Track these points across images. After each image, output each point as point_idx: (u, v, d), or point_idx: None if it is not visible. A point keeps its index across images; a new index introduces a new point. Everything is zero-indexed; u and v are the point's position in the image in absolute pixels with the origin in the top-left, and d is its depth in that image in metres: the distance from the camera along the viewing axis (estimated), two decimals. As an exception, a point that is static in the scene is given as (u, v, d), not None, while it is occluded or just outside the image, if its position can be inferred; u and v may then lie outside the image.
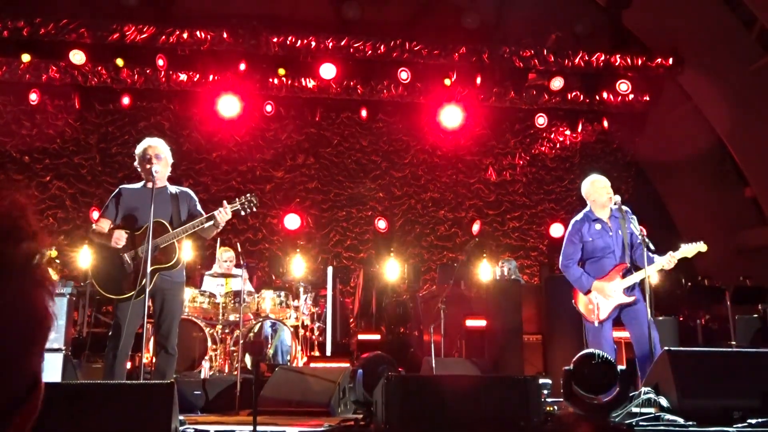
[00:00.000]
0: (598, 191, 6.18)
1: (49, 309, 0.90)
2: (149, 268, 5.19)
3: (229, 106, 11.47)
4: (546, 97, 11.92)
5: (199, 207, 5.69)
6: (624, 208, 6.19)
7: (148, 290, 5.23)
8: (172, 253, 5.43)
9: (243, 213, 5.64)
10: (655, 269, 5.96)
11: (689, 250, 6.01)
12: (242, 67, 11.12)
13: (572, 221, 6.32)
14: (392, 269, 11.03)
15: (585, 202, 6.39)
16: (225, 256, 8.81)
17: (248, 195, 5.66)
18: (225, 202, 5.50)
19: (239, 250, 7.65)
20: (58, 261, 9.67)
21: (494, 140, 12.88)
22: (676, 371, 4.91)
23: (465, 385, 4.65)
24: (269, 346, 8.01)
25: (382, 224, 12.26)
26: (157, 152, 5.57)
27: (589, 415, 4.87)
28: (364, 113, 12.24)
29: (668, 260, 5.92)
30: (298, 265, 9.94)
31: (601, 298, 5.98)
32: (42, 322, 0.88)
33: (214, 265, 8.84)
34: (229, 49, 10.98)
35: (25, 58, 10.70)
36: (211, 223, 5.42)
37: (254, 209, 5.65)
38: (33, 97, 11.20)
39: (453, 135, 12.68)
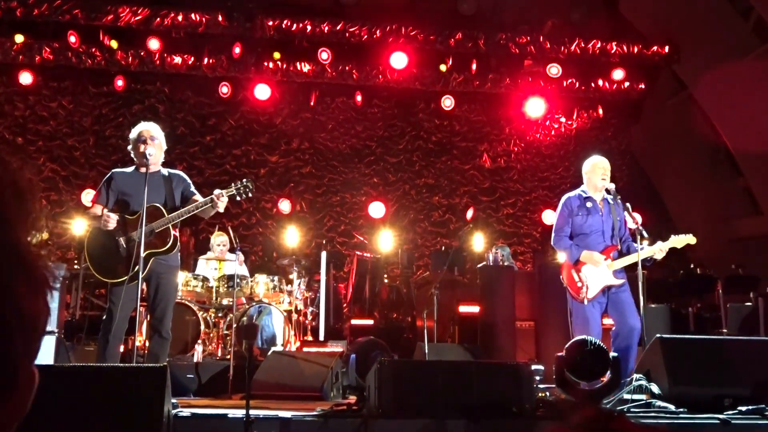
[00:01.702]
0: (594, 172, 6.26)
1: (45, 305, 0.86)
2: (144, 253, 5.19)
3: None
4: (541, 84, 11.91)
5: (192, 189, 5.68)
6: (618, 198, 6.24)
7: (142, 274, 5.23)
8: (167, 237, 5.42)
9: (239, 198, 5.64)
10: (643, 257, 5.98)
11: (678, 240, 6.08)
12: (237, 50, 11.05)
13: (565, 196, 6.39)
14: (386, 254, 11.03)
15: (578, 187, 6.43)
16: (218, 240, 8.82)
17: (244, 180, 5.65)
18: (221, 191, 5.46)
19: (232, 234, 7.66)
20: (50, 243, 9.63)
21: (489, 126, 12.86)
22: (668, 358, 4.95)
23: (457, 370, 4.67)
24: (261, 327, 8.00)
25: (376, 209, 12.26)
26: (152, 134, 5.55)
27: (580, 401, 4.90)
28: (359, 98, 12.20)
29: (657, 250, 5.97)
30: (291, 249, 9.95)
31: (590, 276, 6.00)
32: (37, 320, 0.85)
33: (209, 252, 8.84)
34: (224, 32, 10.92)
35: (19, 38, 10.63)
36: (209, 206, 5.42)
37: (250, 195, 5.65)
38: (26, 78, 11.12)
39: (448, 121, 12.68)
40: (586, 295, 5.98)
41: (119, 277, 5.29)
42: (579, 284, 6.04)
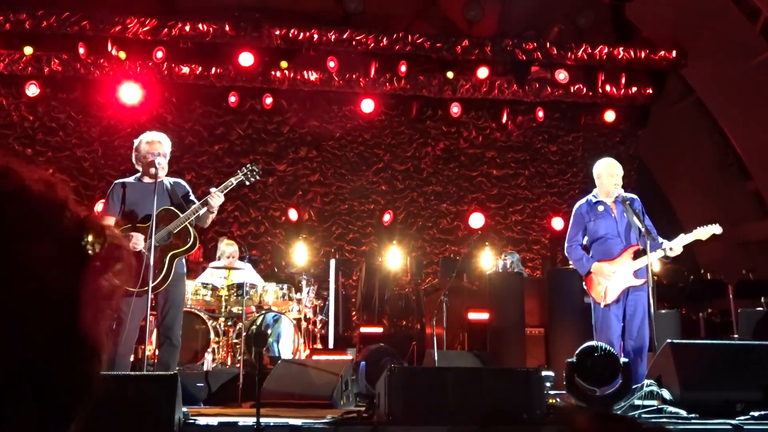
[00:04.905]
0: (606, 176, 6.14)
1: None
2: (167, 255, 5.26)
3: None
4: (549, 90, 11.90)
5: (192, 197, 5.70)
6: (630, 197, 6.12)
7: (167, 280, 5.30)
8: (187, 236, 5.45)
9: (248, 183, 5.74)
10: (659, 255, 5.91)
11: (704, 232, 5.96)
12: (245, 59, 11.05)
13: (576, 204, 6.32)
14: (394, 262, 11.04)
15: (588, 192, 6.37)
16: (229, 250, 8.81)
17: (249, 164, 5.71)
18: (213, 189, 5.50)
19: (242, 242, 7.68)
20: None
21: (497, 133, 12.86)
22: (679, 364, 4.93)
23: (467, 377, 4.66)
24: (269, 335, 8.01)
25: (386, 217, 12.27)
26: (165, 151, 5.56)
27: (591, 407, 4.88)
28: (366, 106, 12.20)
29: (679, 243, 5.89)
30: (300, 258, 9.96)
31: (607, 281, 5.93)
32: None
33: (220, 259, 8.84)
34: (232, 42, 10.96)
35: (28, 50, 10.70)
36: (206, 209, 5.43)
37: (258, 177, 5.77)
38: (35, 89, 11.19)
39: (455, 128, 12.69)
40: (605, 299, 5.92)
41: (145, 284, 5.27)
42: (599, 287, 5.97)
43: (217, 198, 5.41)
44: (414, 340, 9.63)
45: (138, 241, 5.31)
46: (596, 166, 6.31)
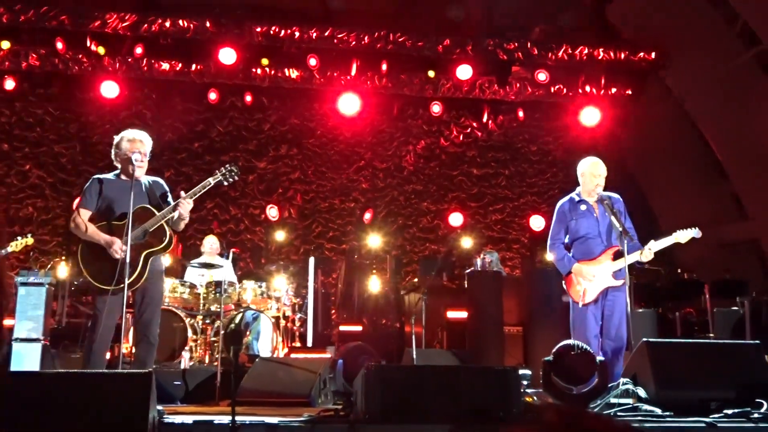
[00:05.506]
0: (589, 175, 6.10)
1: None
2: (142, 254, 5.22)
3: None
4: (529, 89, 11.93)
5: (170, 198, 5.64)
6: (612, 198, 6.11)
7: (144, 277, 5.26)
8: (162, 235, 5.40)
9: (226, 183, 5.71)
10: (635, 259, 5.91)
11: (683, 235, 5.97)
12: (226, 56, 10.97)
13: (559, 202, 6.31)
14: (374, 260, 11.03)
15: (569, 192, 6.37)
16: (210, 240, 8.87)
17: (227, 165, 5.69)
18: (182, 192, 5.43)
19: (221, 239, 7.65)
20: (32, 250, 9.60)
21: (478, 132, 12.90)
22: (654, 362, 4.96)
23: (444, 375, 4.65)
24: (248, 333, 7.97)
25: (366, 215, 12.26)
26: (145, 150, 5.50)
27: (567, 405, 4.90)
28: (347, 104, 12.15)
29: (658, 246, 5.89)
30: (279, 256, 9.94)
31: (587, 282, 5.91)
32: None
33: (203, 256, 8.80)
34: (212, 38, 10.89)
35: (5, 45, 10.57)
36: (177, 213, 5.37)
37: (236, 177, 5.74)
38: (12, 84, 11.08)
39: (436, 126, 12.71)
40: (583, 299, 5.90)
41: (120, 282, 5.20)
42: (578, 287, 5.96)
43: (186, 205, 5.35)
44: (393, 338, 9.64)
45: (117, 249, 5.23)
46: (580, 165, 6.27)
